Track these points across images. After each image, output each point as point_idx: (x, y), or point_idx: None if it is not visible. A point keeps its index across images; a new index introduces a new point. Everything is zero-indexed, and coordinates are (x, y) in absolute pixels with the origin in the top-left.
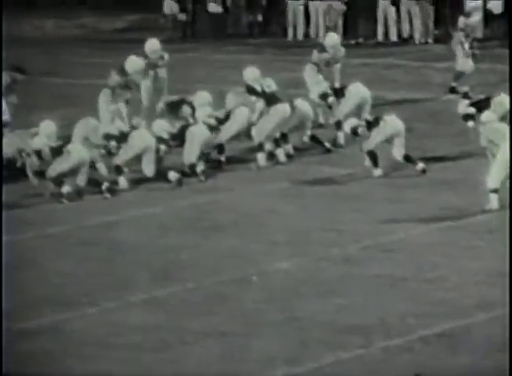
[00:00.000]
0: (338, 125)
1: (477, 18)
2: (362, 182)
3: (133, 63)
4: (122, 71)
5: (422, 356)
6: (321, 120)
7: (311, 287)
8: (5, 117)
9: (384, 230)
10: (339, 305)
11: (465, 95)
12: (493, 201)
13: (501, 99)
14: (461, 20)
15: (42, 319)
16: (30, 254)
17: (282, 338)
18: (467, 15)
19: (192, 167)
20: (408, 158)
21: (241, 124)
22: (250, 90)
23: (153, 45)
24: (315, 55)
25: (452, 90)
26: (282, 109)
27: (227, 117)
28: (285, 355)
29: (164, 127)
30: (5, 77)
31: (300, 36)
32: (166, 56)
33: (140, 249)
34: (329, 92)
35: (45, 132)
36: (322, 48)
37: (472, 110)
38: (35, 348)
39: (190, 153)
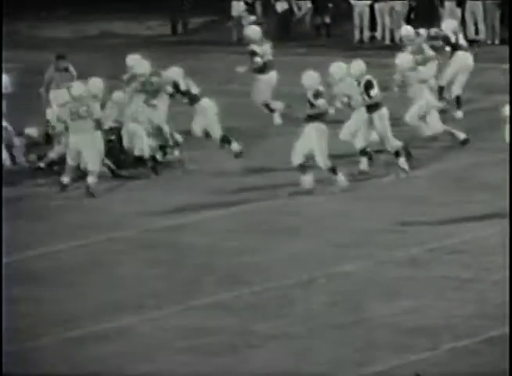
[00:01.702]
0: None
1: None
2: (427, 184)
3: None
4: None
5: (488, 357)
6: None
7: (378, 289)
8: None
9: (449, 232)
10: (405, 307)
11: None
12: None
13: None
14: None
15: (109, 323)
16: (99, 258)
17: (348, 340)
18: None
19: None
20: None
21: None
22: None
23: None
24: None
25: None
26: None
27: None
28: (352, 357)
29: None
30: (50, 71)
31: (366, 38)
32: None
33: (206, 252)
34: None
35: None
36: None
37: None
38: (102, 351)
39: None
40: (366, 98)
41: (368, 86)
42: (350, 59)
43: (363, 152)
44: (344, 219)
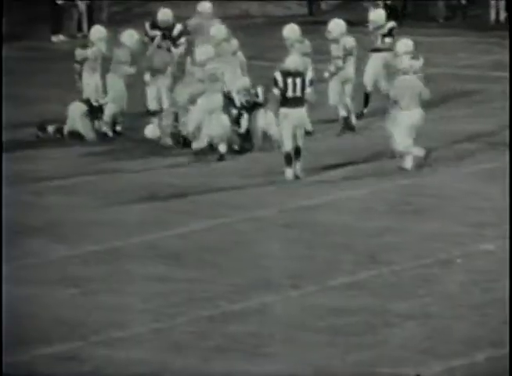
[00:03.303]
0: None
1: None
2: None
3: None
4: None
5: None
6: None
7: None
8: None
9: None
10: None
11: None
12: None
13: None
14: None
15: (248, 302)
16: (238, 237)
17: (486, 319)
18: None
19: None
20: None
21: None
22: None
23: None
24: None
25: None
26: None
27: None
28: (489, 337)
29: None
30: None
31: (502, 18)
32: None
33: (343, 232)
34: None
35: None
36: None
37: None
38: (241, 330)
39: None
40: None
41: None
42: (485, 39)
43: None
44: (482, 198)
